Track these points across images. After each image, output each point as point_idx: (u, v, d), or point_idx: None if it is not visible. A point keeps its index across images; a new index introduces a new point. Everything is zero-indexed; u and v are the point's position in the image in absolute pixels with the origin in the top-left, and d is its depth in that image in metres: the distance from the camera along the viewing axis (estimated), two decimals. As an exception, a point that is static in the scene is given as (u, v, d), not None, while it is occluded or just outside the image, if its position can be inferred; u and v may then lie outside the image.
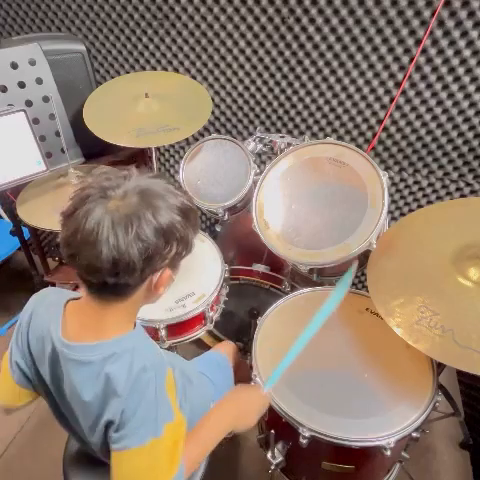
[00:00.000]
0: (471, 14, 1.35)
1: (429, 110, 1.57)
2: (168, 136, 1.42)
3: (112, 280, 0.68)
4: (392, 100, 1.59)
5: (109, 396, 0.72)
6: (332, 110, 1.71)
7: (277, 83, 1.73)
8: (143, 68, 1.90)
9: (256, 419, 0.97)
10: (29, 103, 1.41)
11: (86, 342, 0.74)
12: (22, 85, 1.38)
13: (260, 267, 1.60)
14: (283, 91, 1.74)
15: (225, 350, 1.34)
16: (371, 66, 1.56)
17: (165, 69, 1.86)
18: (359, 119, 1.69)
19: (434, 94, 1.53)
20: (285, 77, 1.70)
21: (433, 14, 1.38)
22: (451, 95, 1.51)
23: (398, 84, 1.55)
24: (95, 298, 0.74)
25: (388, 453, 0.95)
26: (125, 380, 0.71)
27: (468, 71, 1.45)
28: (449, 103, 1.53)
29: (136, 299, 0.75)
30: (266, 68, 1.71)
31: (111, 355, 0.72)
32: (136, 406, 0.71)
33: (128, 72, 1.93)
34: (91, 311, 0.75)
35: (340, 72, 1.60)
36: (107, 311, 0.74)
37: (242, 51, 1.70)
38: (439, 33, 1.41)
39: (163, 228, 0.67)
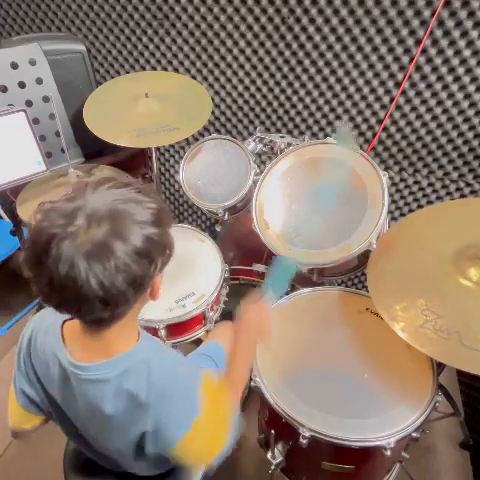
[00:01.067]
0: (471, 14, 1.35)
1: (429, 110, 1.57)
2: (168, 136, 1.42)
3: (107, 314, 0.65)
4: (392, 100, 1.59)
5: (135, 410, 0.72)
6: (332, 110, 1.71)
7: (277, 83, 1.73)
8: (143, 68, 1.90)
9: (270, 326, 1.00)
10: (29, 103, 1.40)
11: (95, 361, 0.72)
12: (22, 85, 1.38)
13: (260, 267, 1.60)
14: (283, 91, 1.74)
15: (221, 337, 1.29)
16: (371, 66, 1.56)
17: (165, 69, 1.86)
18: (359, 119, 1.69)
19: (434, 94, 1.53)
20: (285, 77, 1.70)
21: (433, 14, 1.38)
22: (451, 95, 1.51)
23: (398, 84, 1.55)
24: (90, 326, 0.72)
25: (388, 453, 0.95)
26: (147, 392, 0.71)
27: (468, 71, 1.45)
28: (449, 103, 1.53)
29: (133, 313, 0.73)
30: (266, 68, 1.71)
31: (125, 370, 0.72)
32: (169, 410, 0.73)
33: (128, 72, 1.93)
34: (89, 332, 0.73)
35: (340, 72, 1.60)
36: (106, 332, 0.72)
37: (242, 51, 1.70)
38: (439, 33, 1.41)
39: (140, 249, 0.62)
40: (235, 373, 0.92)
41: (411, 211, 1.83)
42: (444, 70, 1.47)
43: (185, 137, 1.47)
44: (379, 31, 1.47)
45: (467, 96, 1.49)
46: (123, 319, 0.71)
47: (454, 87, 1.49)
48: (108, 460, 0.89)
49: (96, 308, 0.62)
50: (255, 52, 1.68)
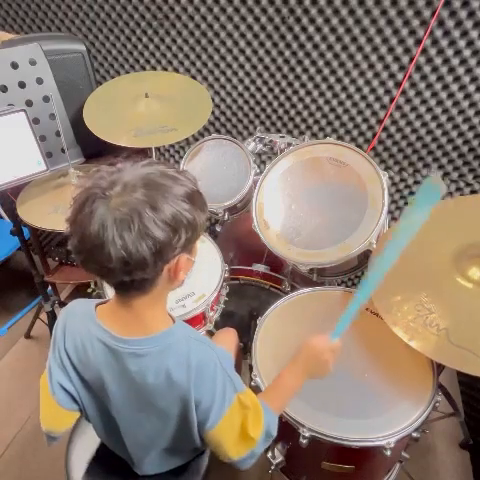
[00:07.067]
0: (471, 14, 1.35)
1: (429, 110, 1.57)
2: (167, 136, 1.42)
3: (127, 278, 0.68)
4: (392, 100, 1.59)
5: (176, 388, 0.75)
6: (332, 110, 1.71)
7: (277, 83, 1.73)
8: (143, 68, 1.90)
9: (330, 368, 0.95)
10: (29, 103, 1.40)
11: (136, 336, 0.75)
12: (22, 85, 1.38)
13: (260, 267, 1.60)
14: (283, 91, 1.74)
15: (226, 343, 1.31)
16: (371, 66, 1.56)
17: (165, 69, 1.86)
18: (359, 119, 1.69)
19: (434, 94, 1.53)
20: (285, 77, 1.70)
21: (433, 14, 1.38)
22: (451, 95, 1.51)
23: (398, 84, 1.55)
24: (121, 296, 0.75)
25: (388, 453, 0.95)
26: (187, 370, 0.74)
27: (468, 71, 1.45)
28: (449, 103, 1.53)
29: (159, 290, 0.75)
30: (266, 68, 1.71)
31: (166, 347, 0.75)
32: (212, 390, 0.76)
33: (128, 72, 1.93)
34: (123, 309, 0.76)
35: (340, 72, 1.61)
36: (138, 307, 0.75)
37: (242, 51, 1.70)
38: (439, 33, 1.41)
39: (168, 219, 0.65)
40: (274, 399, 0.91)
41: (411, 211, 1.83)
42: (444, 70, 1.47)
43: (184, 138, 1.47)
44: (379, 31, 1.47)
45: (467, 96, 1.49)
46: (149, 294, 0.74)
47: (454, 87, 1.49)
48: (127, 450, 0.91)
49: (116, 268, 0.65)
50: (255, 52, 1.68)
